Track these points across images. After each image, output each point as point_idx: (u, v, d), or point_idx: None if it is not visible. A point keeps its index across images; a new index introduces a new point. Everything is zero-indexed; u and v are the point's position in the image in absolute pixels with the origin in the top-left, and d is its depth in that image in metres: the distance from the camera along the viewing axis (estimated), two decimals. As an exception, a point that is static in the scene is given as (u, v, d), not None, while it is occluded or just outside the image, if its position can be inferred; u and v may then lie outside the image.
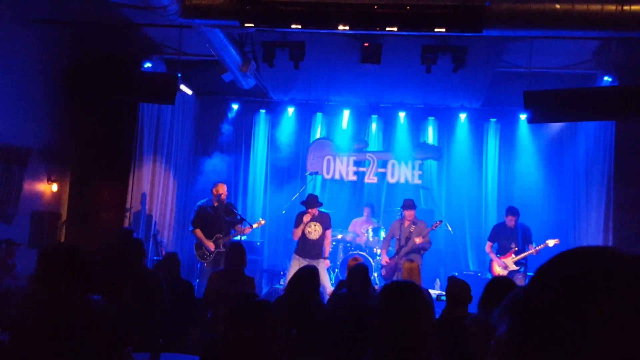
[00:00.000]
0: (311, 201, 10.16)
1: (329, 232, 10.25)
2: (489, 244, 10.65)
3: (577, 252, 0.96)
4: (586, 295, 0.88)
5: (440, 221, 10.64)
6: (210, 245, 9.88)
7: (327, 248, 10.34)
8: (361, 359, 2.84)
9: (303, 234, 10.04)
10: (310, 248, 9.99)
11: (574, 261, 0.94)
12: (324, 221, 10.13)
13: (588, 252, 0.95)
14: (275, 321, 2.96)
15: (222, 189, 10.22)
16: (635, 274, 0.89)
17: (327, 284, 9.57)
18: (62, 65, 9.54)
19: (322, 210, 10.37)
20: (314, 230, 10.02)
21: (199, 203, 10.20)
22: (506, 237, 10.37)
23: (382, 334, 2.67)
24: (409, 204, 10.57)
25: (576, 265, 0.93)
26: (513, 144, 13.03)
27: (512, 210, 10.45)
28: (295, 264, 9.69)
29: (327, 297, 8.21)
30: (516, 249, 10.23)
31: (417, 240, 10.13)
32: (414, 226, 10.37)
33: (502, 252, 10.39)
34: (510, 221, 10.35)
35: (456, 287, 5.34)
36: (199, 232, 9.95)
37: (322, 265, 9.89)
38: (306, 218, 10.02)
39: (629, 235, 9.57)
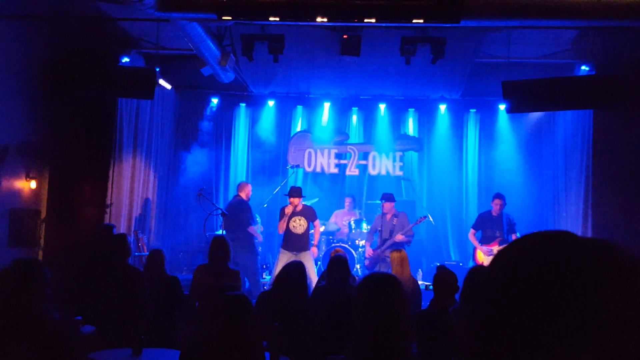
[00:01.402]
0: (293, 191, 10.19)
1: (317, 223, 10.30)
2: (472, 231, 10.75)
3: (532, 238, 0.97)
4: (541, 280, 0.88)
5: (425, 217, 10.75)
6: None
7: (317, 237, 10.40)
8: (342, 349, 2.86)
9: (288, 229, 10.04)
10: (296, 242, 9.99)
11: (529, 246, 0.95)
12: (309, 215, 10.14)
13: (543, 237, 0.95)
14: (250, 314, 2.96)
15: None
16: (587, 259, 0.89)
17: (313, 276, 9.57)
18: (38, 60, 9.44)
19: (306, 203, 10.36)
20: (299, 225, 10.01)
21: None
22: (491, 226, 10.47)
23: (360, 325, 2.68)
24: (387, 197, 10.67)
25: (531, 250, 0.93)
26: (493, 134, 13.11)
27: (498, 195, 10.61)
28: (284, 258, 9.69)
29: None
30: (500, 238, 10.31)
31: (398, 238, 10.25)
32: (396, 219, 10.48)
33: (486, 240, 10.50)
34: (496, 205, 10.45)
35: (444, 278, 5.36)
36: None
37: (309, 257, 9.93)
38: (288, 210, 10.03)
39: (607, 223, 9.66)
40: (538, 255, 0.92)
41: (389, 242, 10.33)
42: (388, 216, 10.55)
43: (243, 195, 10.87)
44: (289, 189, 10.46)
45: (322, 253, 11.48)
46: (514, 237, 10.17)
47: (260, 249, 10.92)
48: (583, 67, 10.28)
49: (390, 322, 2.63)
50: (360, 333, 2.71)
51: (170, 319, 6.53)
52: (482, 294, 0.95)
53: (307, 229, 10.07)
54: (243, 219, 10.55)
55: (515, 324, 0.88)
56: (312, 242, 10.28)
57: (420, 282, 10.99)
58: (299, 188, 10.38)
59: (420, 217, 10.70)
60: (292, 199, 10.06)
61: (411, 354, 2.70)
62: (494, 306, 0.92)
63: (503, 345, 0.89)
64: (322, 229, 11.51)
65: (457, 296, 5.17)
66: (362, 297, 2.75)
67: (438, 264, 11.79)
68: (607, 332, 0.84)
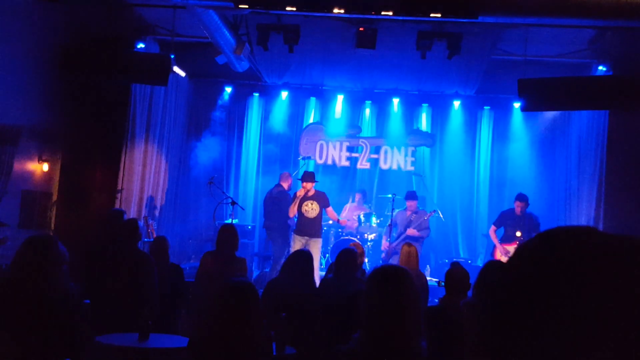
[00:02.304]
0: (306, 175, 10.30)
1: (330, 209, 10.41)
2: (493, 227, 10.69)
3: (554, 233, 0.94)
4: (564, 277, 0.86)
5: (434, 211, 10.88)
6: None
7: (334, 217, 10.67)
8: (348, 341, 2.84)
9: (300, 212, 10.11)
10: (308, 227, 10.05)
11: (551, 242, 0.92)
12: (321, 199, 10.19)
13: (566, 233, 0.93)
14: (255, 302, 2.95)
15: None
16: (612, 255, 0.87)
17: (317, 265, 9.60)
18: (54, 44, 9.44)
19: (318, 189, 10.38)
20: (311, 209, 10.07)
21: None
22: (512, 224, 10.37)
23: (368, 317, 2.67)
24: (410, 195, 11.00)
25: (553, 246, 0.91)
26: (506, 132, 13.03)
27: (520, 197, 10.51)
28: (297, 243, 9.88)
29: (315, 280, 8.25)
30: (522, 237, 10.20)
31: (410, 232, 10.45)
32: (415, 215, 10.71)
33: (507, 239, 10.41)
34: (517, 207, 10.38)
35: (457, 275, 5.33)
36: None
37: (318, 246, 10.03)
38: (300, 192, 10.08)
39: (619, 224, 9.59)
40: (559, 251, 0.90)
41: (403, 236, 10.44)
42: (408, 212, 10.76)
43: (285, 185, 11.06)
44: (301, 173, 10.54)
45: (331, 245, 11.49)
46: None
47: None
48: (600, 68, 10.20)
49: (398, 314, 2.61)
50: (368, 324, 2.70)
51: (171, 306, 6.55)
52: (501, 288, 0.93)
53: (320, 214, 10.13)
54: (281, 210, 10.68)
55: (531, 319, 0.86)
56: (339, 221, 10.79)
57: (428, 278, 11.01)
58: (312, 173, 10.53)
59: (430, 212, 10.79)
60: (305, 183, 10.13)
61: (419, 348, 2.68)
62: (511, 300, 0.90)
63: (518, 341, 0.88)
64: (330, 222, 11.50)
65: (469, 293, 5.14)
66: (371, 287, 2.73)
67: (447, 261, 11.88)
68: (627, 334, 0.82)
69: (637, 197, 9.22)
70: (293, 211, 10.15)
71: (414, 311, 2.65)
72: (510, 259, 0.96)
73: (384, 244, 10.94)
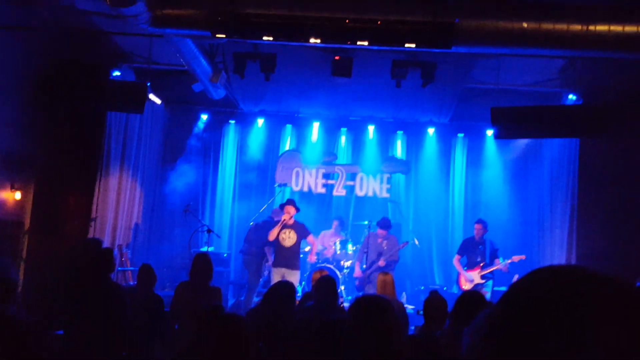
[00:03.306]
0: (289, 201, 10.41)
1: (311, 237, 10.42)
2: (457, 257, 10.81)
3: (545, 273, 0.97)
4: (557, 316, 0.89)
5: (407, 242, 10.89)
6: None
7: (314, 249, 10.69)
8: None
9: (277, 241, 10.07)
10: (285, 256, 10.02)
11: (542, 282, 0.95)
12: (299, 229, 10.17)
13: (557, 273, 0.96)
14: (247, 335, 2.95)
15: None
16: (604, 294, 0.90)
17: None
18: (28, 71, 9.39)
19: (297, 219, 10.38)
20: (288, 237, 10.04)
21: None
22: (474, 251, 10.53)
23: (352, 348, 2.68)
24: (383, 224, 10.86)
25: (545, 287, 0.94)
26: (480, 158, 13.19)
27: (479, 220, 10.72)
28: (276, 277, 9.79)
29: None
30: (483, 263, 10.36)
31: (382, 263, 10.39)
32: (385, 241, 10.60)
33: (470, 265, 10.54)
34: (476, 230, 10.52)
35: (435, 303, 5.35)
36: None
37: (296, 278, 9.98)
38: (284, 217, 10.12)
39: (592, 249, 9.73)
40: (549, 292, 0.92)
41: (375, 266, 10.44)
42: (379, 239, 10.65)
43: (275, 218, 10.99)
44: (277, 201, 10.60)
45: (307, 273, 11.46)
46: (497, 262, 10.23)
47: (267, 272, 10.96)
48: (570, 96, 10.41)
49: (381, 345, 2.63)
50: (352, 355, 2.71)
51: (150, 337, 6.48)
52: (492, 333, 0.96)
53: (296, 244, 10.09)
54: (263, 238, 10.73)
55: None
56: (308, 255, 10.72)
57: (411, 306, 11.04)
58: (294, 201, 10.51)
59: (403, 242, 10.83)
60: (287, 207, 10.13)
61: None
62: (503, 345, 0.92)
63: None
64: (306, 249, 11.48)
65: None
66: (354, 318, 2.75)
67: (423, 287, 11.92)
68: None
69: (609, 222, 9.37)
70: (273, 234, 10.11)
71: (396, 341, 2.67)
72: (502, 299, 0.99)
73: (357, 271, 10.92)
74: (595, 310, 0.88)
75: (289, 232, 10.07)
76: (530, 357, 0.89)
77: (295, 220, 10.23)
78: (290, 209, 10.11)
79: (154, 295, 6.81)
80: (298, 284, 10.52)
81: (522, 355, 0.90)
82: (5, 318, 3.59)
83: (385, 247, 10.62)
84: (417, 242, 12.37)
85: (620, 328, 0.86)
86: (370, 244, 10.78)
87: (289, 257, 10.02)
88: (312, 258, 10.75)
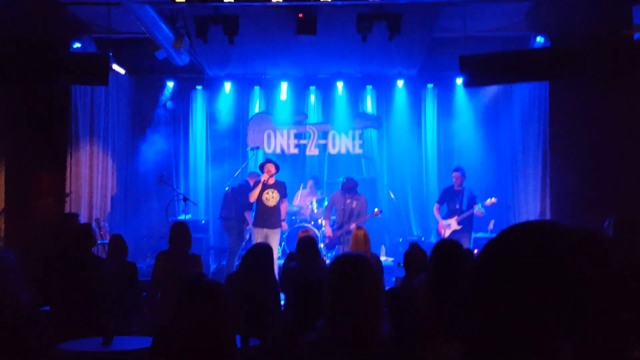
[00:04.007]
0: (268, 161, 10.33)
1: (285, 203, 10.36)
2: (436, 206, 10.94)
3: (519, 229, 0.99)
4: (527, 273, 0.92)
5: (380, 210, 10.77)
6: None
7: (284, 213, 10.44)
8: (313, 329, 2.86)
9: (260, 201, 10.07)
10: (267, 216, 10.02)
11: (516, 238, 0.98)
12: (281, 189, 10.19)
13: (530, 228, 0.98)
14: (228, 302, 2.94)
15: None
16: (573, 253, 0.92)
17: (275, 257, 9.58)
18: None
19: (277, 179, 10.35)
20: (272, 197, 10.04)
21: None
22: (453, 199, 10.66)
23: (331, 306, 2.70)
24: (348, 188, 10.57)
25: (518, 242, 0.96)
26: (451, 108, 13.19)
27: (456, 168, 10.86)
28: (258, 236, 9.86)
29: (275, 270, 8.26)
30: (460, 210, 10.52)
31: (352, 227, 10.16)
32: (355, 202, 10.46)
33: (449, 214, 10.69)
34: (455, 179, 10.65)
35: (414, 255, 5.40)
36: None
37: (277, 237, 10.01)
38: (264, 177, 10.11)
39: (565, 191, 9.86)
40: (525, 248, 0.95)
41: (346, 228, 10.34)
42: (348, 200, 10.55)
43: (251, 182, 10.96)
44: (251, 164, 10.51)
45: (286, 233, 11.48)
46: (475, 208, 10.33)
47: (248, 235, 10.94)
48: (538, 39, 10.40)
49: (361, 302, 2.65)
50: (332, 313, 2.73)
51: (127, 305, 6.50)
52: (472, 286, 0.97)
53: (278, 204, 10.09)
54: (241, 202, 10.70)
55: (501, 314, 0.92)
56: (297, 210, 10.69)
57: (383, 258, 11.11)
58: (272, 160, 10.50)
59: (375, 210, 10.66)
60: (268, 165, 10.12)
61: (382, 333, 2.72)
62: (480, 299, 0.96)
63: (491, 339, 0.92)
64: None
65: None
66: (333, 277, 2.77)
67: (401, 240, 12.02)
68: (591, 325, 0.88)
69: (580, 164, 9.48)
70: (254, 196, 10.08)
71: (374, 297, 2.69)
72: (480, 255, 1.01)
73: (327, 230, 10.76)
74: (568, 264, 0.90)
75: (272, 192, 10.07)
76: (509, 314, 0.91)
77: (276, 180, 10.22)
78: (271, 168, 10.10)
79: (127, 264, 6.80)
80: (279, 244, 10.55)
81: (502, 312, 0.92)
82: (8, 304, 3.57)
83: (354, 207, 10.47)
84: (392, 195, 12.44)
85: (593, 281, 0.89)
86: (338, 203, 10.62)
87: (272, 217, 10.04)
88: (284, 225, 10.61)
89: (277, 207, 10.09)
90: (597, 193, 8.98)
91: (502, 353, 0.90)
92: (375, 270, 2.79)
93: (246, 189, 10.79)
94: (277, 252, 10.01)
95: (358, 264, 2.76)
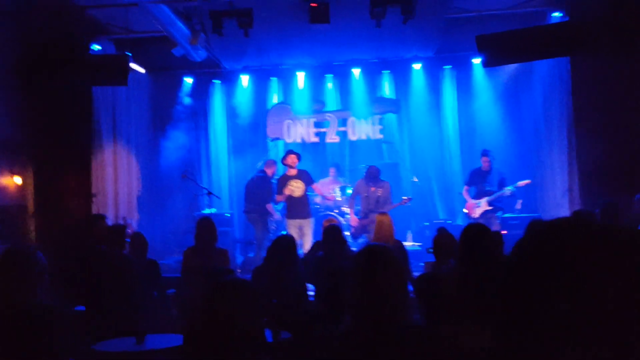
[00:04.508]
0: (289, 152, 10.46)
1: (317, 186, 10.55)
2: (465, 187, 11.00)
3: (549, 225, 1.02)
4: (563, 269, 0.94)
5: (410, 198, 10.77)
6: None
7: (320, 192, 10.70)
8: (340, 321, 2.90)
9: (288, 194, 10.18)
10: (297, 207, 10.15)
11: (546, 235, 1.01)
12: (304, 177, 10.27)
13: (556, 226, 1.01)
14: (256, 298, 2.98)
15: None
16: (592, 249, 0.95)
17: (308, 245, 9.62)
18: (9, 56, 9.25)
19: (300, 168, 10.40)
20: (297, 187, 10.15)
21: None
22: (482, 180, 10.68)
23: (355, 299, 2.72)
24: (372, 176, 10.51)
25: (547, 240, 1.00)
26: (470, 89, 13.07)
27: (484, 152, 10.81)
28: (292, 229, 10.02)
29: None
30: (491, 192, 10.56)
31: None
32: (380, 190, 10.42)
33: (479, 195, 10.72)
34: (484, 162, 10.63)
35: (443, 240, 5.41)
36: None
37: (311, 226, 10.07)
38: (289, 172, 10.23)
39: (591, 168, 9.74)
40: (552, 244, 0.98)
41: (372, 217, 10.30)
42: (372, 188, 10.54)
43: (269, 171, 11.04)
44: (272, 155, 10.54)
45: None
46: (506, 190, 10.32)
47: (274, 226, 11.02)
48: (555, 14, 10.27)
49: (384, 294, 2.67)
50: (356, 307, 2.75)
51: (152, 303, 6.56)
52: (508, 280, 1.01)
53: (305, 192, 10.16)
54: (261, 195, 10.76)
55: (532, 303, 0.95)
56: (321, 200, 10.90)
57: (410, 244, 11.11)
58: (293, 150, 10.60)
59: (404, 198, 10.67)
60: (290, 156, 10.24)
61: (410, 322, 2.74)
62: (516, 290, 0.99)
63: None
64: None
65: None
66: (356, 271, 2.78)
67: (428, 224, 11.99)
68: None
69: (606, 137, 9.35)
70: (280, 199, 10.21)
71: (399, 288, 2.70)
72: (514, 249, 1.05)
73: (353, 218, 10.74)
74: (592, 262, 0.93)
75: (296, 182, 10.16)
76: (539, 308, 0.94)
77: (298, 170, 10.28)
78: (294, 158, 10.16)
79: (149, 262, 6.87)
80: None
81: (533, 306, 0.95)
82: (32, 306, 3.64)
83: (380, 194, 10.44)
84: (415, 179, 12.41)
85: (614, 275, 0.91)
86: (362, 191, 10.59)
87: (302, 207, 10.16)
88: (331, 198, 11.07)
89: (304, 196, 10.18)
90: (626, 166, 8.88)
91: (533, 341, 0.94)
92: (398, 260, 2.80)
93: (262, 180, 10.84)
94: (311, 240, 10.03)
95: (380, 256, 2.77)
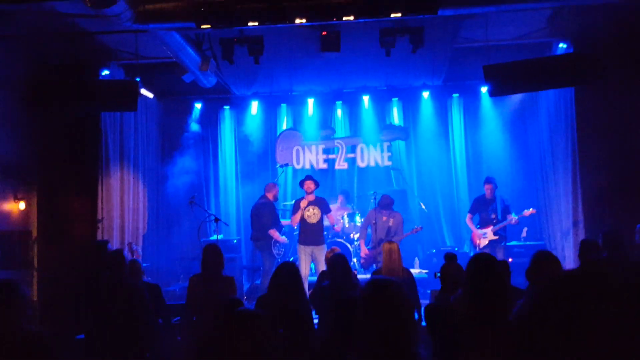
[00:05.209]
0: (307, 178, 10.39)
1: (331, 215, 10.47)
2: (469, 215, 10.94)
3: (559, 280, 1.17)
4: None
5: (421, 227, 10.83)
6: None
7: (332, 220, 10.58)
8: (348, 352, 2.89)
9: (302, 219, 10.16)
10: (310, 233, 10.10)
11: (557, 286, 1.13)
12: (322, 205, 10.26)
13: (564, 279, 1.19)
14: (264, 330, 2.98)
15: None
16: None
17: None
18: (18, 80, 9.33)
19: (316, 195, 10.41)
20: (313, 214, 10.12)
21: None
22: (486, 208, 10.65)
23: (363, 331, 2.71)
24: (385, 205, 10.67)
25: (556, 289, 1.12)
26: (477, 117, 13.14)
27: (487, 180, 10.81)
28: (303, 255, 10.01)
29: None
30: (496, 220, 10.52)
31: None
32: (392, 219, 10.50)
33: (483, 223, 10.69)
34: (487, 190, 10.61)
35: (452, 270, 5.39)
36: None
37: (323, 252, 10.04)
38: (303, 203, 10.17)
39: (596, 197, 9.77)
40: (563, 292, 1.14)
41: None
42: (384, 218, 10.58)
43: (270, 196, 10.96)
44: (281, 181, 10.54)
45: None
46: (509, 217, 10.31)
47: (282, 251, 11.00)
48: (561, 45, 10.38)
49: (393, 329, 2.66)
50: (364, 339, 2.74)
51: (154, 330, 6.53)
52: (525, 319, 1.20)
53: (321, 220, 10.15)
54: (264, 221, 10.70)
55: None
56: (334, 226, 10.82)
57: (417, 271, 11.08)
58: (310, 176, 10.58)
59: (416, 227, 10.74)
60: (308, 182, 10.21)
61: (418, 355, 2.73)
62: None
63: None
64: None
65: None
66: (364, 304, 2.78)
67: (434, 251, 11.97)
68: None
69: (610, 169, 9.39)
70: (296, 220, 10.18)
71: (407, 322, 2.70)
72: (529, 298, 1.18)
73: (363, 249, 10.80)
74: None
75: (313, 209, 10.14)
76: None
77: (316, 196, 10.29)
78: (311, 184, 10.17)
79: (151, 285, 6.86)
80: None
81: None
82: (30, 335, 3.63)
83: (391, 224, 10.51)
84: (423, 206, 12.42)
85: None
86: (373, 219, 10.64)
87: (316, 234, 10.12)
88: (338, 228, 11.04)
89: (319, 224, 10.16)
90: (628, 196, 8.91)
91: None
92: (405, 294, 2.80)
93: (264, 205, 10.80)
94: (323, 267, 10.01)
95: (388, 289, 2.76)
